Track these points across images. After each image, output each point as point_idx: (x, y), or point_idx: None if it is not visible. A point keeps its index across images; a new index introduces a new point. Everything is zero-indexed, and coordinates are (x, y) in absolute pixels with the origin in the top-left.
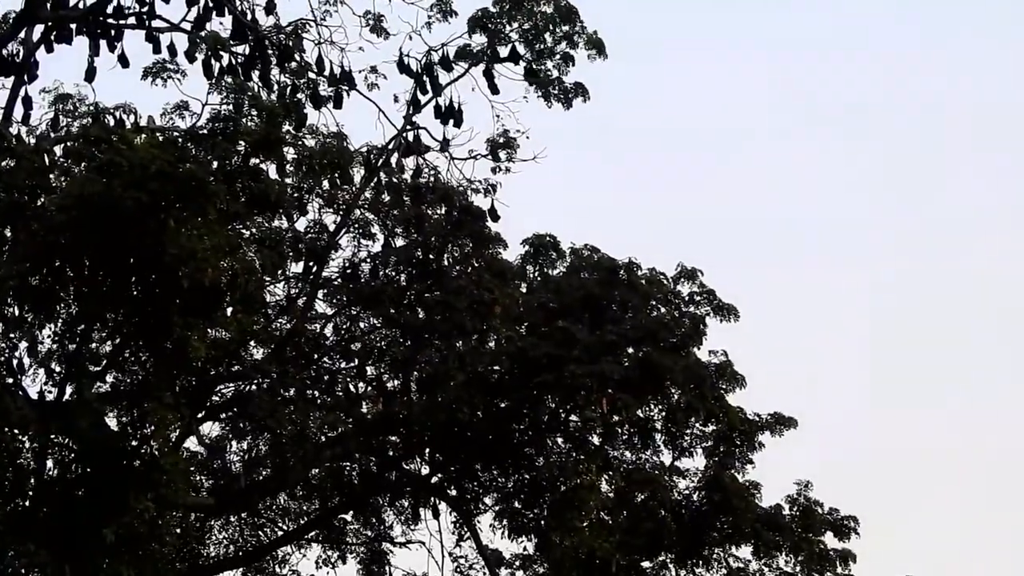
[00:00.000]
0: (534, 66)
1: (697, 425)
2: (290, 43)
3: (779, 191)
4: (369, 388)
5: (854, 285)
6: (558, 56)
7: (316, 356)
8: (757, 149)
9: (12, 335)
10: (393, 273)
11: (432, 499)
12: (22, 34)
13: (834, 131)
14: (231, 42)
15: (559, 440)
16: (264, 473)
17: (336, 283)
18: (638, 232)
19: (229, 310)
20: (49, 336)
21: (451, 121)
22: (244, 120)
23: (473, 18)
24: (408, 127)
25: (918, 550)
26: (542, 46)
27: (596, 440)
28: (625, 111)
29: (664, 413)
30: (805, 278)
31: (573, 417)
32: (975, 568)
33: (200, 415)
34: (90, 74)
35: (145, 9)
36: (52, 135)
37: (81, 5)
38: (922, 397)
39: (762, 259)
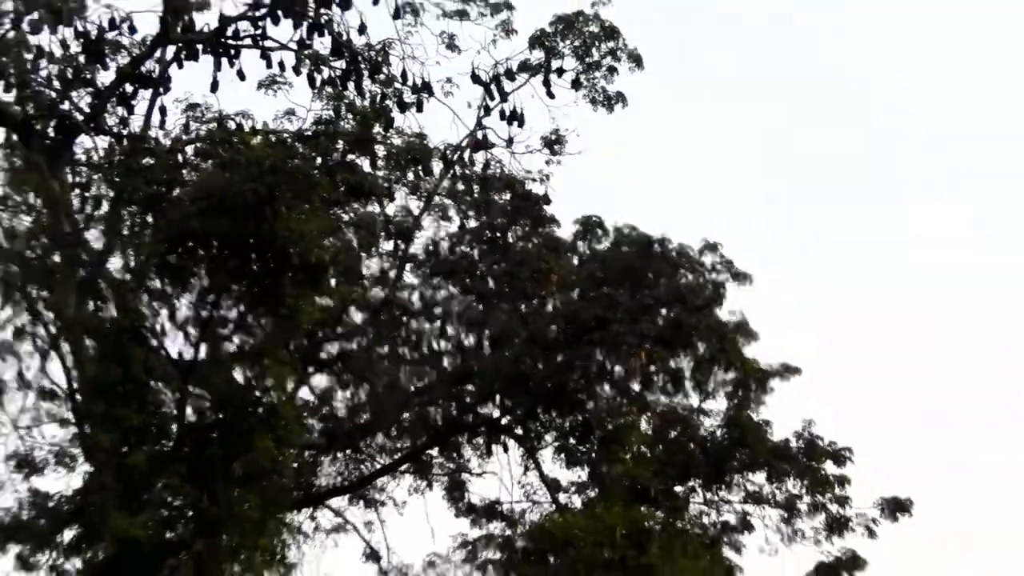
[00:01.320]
0: (582, 78)
1: (719, 373)
2: (379, 58)
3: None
4: (449, 346)
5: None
6: (604, 68)
7: (405, 319)
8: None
9: (155, 304)
10: (467, 249)
11: (502, 437)
12: (158, 53)
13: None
14: (330, 58)
15: (606, 387)
16: (364, 417)
17: (420, 258)
18: (669, 211)
19: (332, 281)
20: (185, 305)
21: (515, 123)
22: (342, 123)
23: (533, 37)
24: (478, 128)
25: (903, 474)
26: (590, 60)
27: (636, 387)
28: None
29: (692, 363)
30: (812, 241)
31: (617, 368)
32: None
33: (310, 370)
34: (214, 86)
35: (259, 32)
36: (184, 137)
37: (206, 29)
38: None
39: (773, 227)
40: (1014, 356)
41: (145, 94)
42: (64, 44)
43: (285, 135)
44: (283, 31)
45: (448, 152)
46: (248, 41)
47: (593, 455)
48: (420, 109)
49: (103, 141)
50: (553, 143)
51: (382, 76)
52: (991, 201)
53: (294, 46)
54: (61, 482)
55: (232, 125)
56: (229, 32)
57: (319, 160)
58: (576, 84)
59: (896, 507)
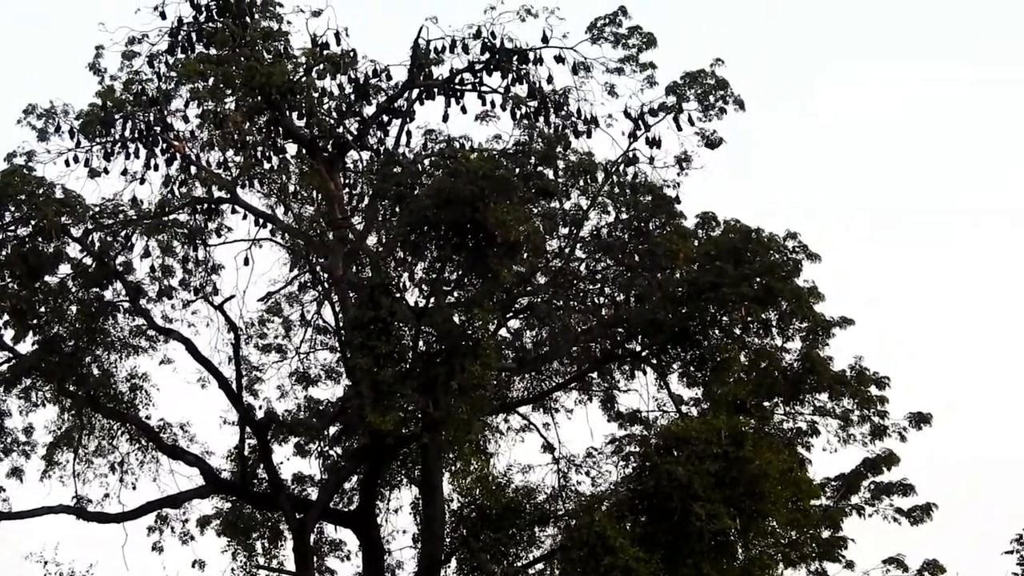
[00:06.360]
0: (699, 119)
1: (796, 323)
2: (561, 100)
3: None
4: (606, 301)
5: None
6: (716, 109)
7: (575, 282)
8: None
9: (399, 268)
10: (620, 234)
11: (642, 365)
12: (405, 94)
13: None
14: (526, 99)
15: (716, 331)
16: (544, 349)
17: (587, 240)
18: (760, 206)
19: (524, 255)
20: (420, 269)
21: (655, 146)
22: (534, 145)
23: (668, 87)
24: (629, 149)
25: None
26: (707, 103)
27: (738, 331)
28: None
29: (777, 316)
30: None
31: (725, 318)
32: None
33: (507, 316)
34: (445, 117)
35: (477, 80)
36: (423, 153)
37: (440, 77)
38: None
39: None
40: None
41: (396, 122)
42: (340, 87)
43: (494, 152)
44: (494, 80)
45: (608, 166)
46: (469, 86)
47: (706, 379)
48: (589, 136)
49: (366, 155)
50: (682, 160)
51: (563, 112)
52: None
53: (502, 91)
54: (328, 392)
55: (456, 145)
56: (456, 80)
57: (517, 170)
58: (690, 122)
59: (920, 419)
